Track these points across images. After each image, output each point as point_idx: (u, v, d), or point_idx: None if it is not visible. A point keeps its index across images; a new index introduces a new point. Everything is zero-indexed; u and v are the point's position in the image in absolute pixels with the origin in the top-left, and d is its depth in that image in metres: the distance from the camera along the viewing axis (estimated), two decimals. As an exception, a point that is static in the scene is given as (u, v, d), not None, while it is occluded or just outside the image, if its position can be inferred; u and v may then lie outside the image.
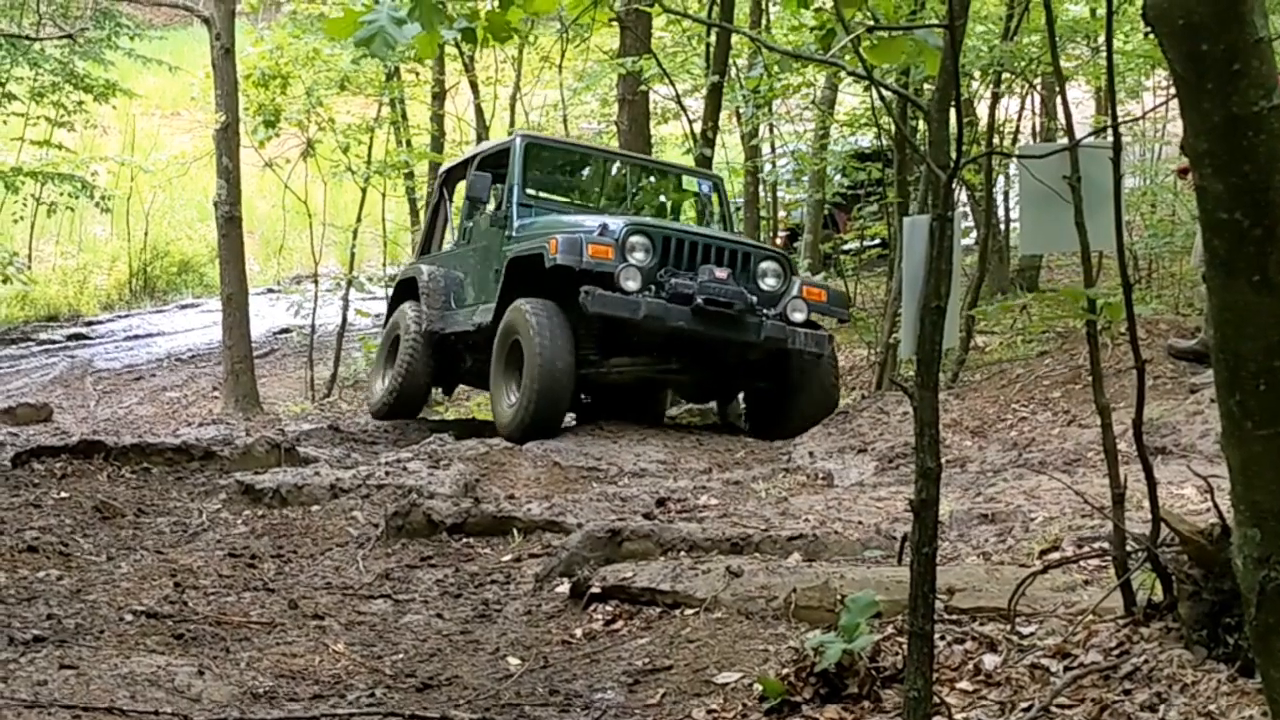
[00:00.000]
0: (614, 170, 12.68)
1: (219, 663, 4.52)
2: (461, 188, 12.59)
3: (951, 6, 3.28)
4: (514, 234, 10.90)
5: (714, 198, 12.57)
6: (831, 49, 3.87)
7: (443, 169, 13.90)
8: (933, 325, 3.20)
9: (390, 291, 13.87)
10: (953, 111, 3.54)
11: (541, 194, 11.64)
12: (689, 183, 12.80)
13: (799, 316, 10.26)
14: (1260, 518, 2.52)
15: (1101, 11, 11.25)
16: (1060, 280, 15.40)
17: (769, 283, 10.38)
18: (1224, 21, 2.33)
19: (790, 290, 10.39)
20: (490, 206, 11.45)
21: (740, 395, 11.54)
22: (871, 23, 3.88)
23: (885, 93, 7.60)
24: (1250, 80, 2.33)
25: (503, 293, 10.50)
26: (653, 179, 12.54)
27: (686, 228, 11.15)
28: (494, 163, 11.74)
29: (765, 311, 10.17)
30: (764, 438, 10.38)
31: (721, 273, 10.11)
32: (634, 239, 10.06)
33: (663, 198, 12.50)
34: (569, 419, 10.79)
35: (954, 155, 3.38)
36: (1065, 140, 3.85)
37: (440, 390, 13.09)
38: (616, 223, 10.29)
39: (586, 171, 12.56)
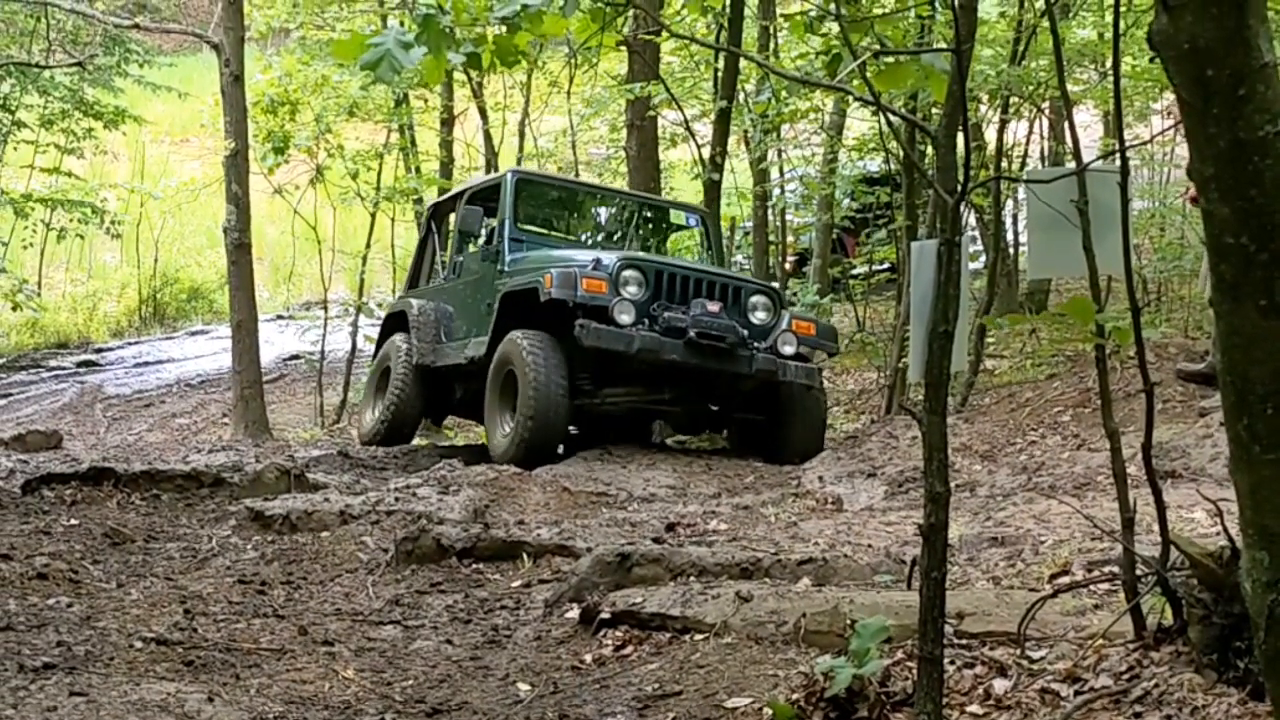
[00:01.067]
0: (603, 205, 12.95)
1: (229, 689, 4.52)
2: (449, 222, 12.75)
3: (958, 31, 3.29)
4: (506, 268, 11.09)
5: (699, 232, 12.73)
6: (839, 74, 3.87)
7: (430, 204, 14.07)
8: (941, 349, 3.21)
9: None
10: (960, 136, 3.55)
11: (532, 228, 11.81)
12: (677, 217, 12.99)
13: (789, 349, 10.44)
14: (1269, 541, 2.52)
15: (1109, 35, 11.26)
16: (1069, 304, 15.36)
17: (759, 316, 10.59)
18: (1230, 46, 2.33)
19: (780, 323, 10.58)
20: (481, 241, 11.60)
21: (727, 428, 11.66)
22: (878, 48, 3.89)
23: (893, 118, 7.61)
24: (1256, 105, 2.33)
25: (496, 326, 10.65)
26: (643, 213, 12.70)
27: (678, 262, 11.42)
28: (484, 197, 11.97)
29: (756, 344, 10.34)
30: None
31: (714, 306, 10.31)
32: (627, 273, 10.26)
33: (652, 232, 12.67)
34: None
35: (962, 179, 3.39)
36: (1073, 164, 3.86)
37: (430, 420, 13.29)
38: (610, 257, 10.47)
39: (576, 206, 12.79)
